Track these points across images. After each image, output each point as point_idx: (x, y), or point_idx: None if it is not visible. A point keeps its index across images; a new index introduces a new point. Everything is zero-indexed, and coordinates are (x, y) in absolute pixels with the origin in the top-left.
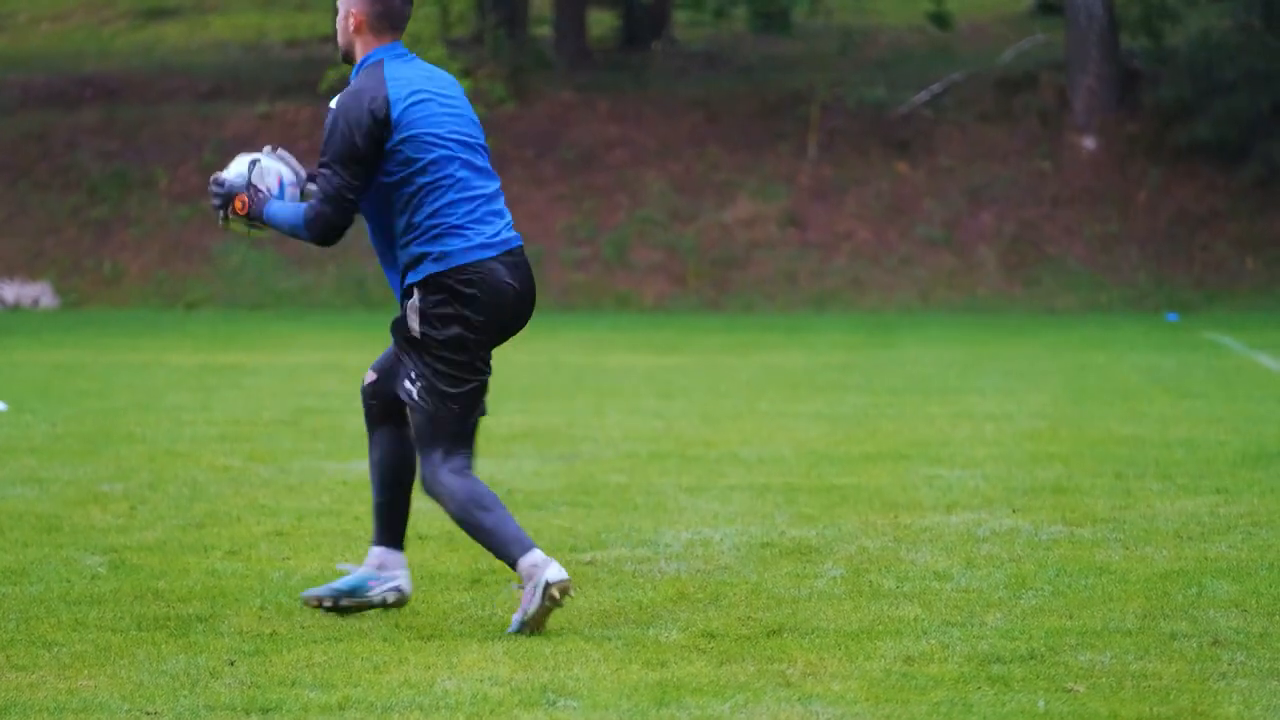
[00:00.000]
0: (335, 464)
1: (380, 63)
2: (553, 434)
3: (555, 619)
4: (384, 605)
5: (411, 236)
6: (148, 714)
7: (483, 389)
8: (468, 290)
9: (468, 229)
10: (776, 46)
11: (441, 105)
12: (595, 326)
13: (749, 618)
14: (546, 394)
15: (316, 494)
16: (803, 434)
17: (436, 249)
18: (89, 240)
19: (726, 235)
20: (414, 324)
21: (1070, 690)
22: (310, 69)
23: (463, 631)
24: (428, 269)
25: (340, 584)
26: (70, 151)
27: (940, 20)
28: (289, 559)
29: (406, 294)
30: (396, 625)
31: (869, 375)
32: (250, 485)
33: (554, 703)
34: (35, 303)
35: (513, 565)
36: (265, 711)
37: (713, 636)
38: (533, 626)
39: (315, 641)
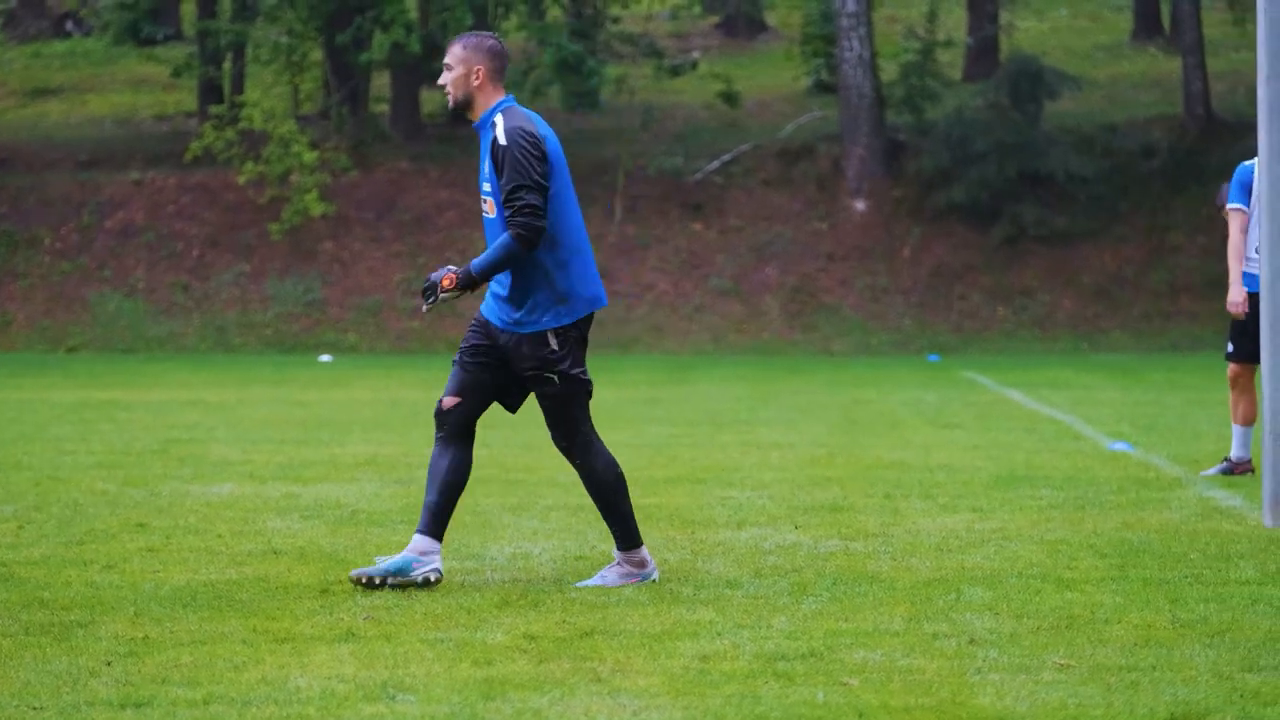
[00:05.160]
0: (199, 487)
1: (513, 108)
2: (391, 461)
3: (390, 625)
4: (425, 584)
5: None
6: (33, 709)
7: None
8: None
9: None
10: (586, 121)
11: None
12: (429, 367)
13: (564, 622)
14: (386, 426)
15: (183, 514)
16: None
17: None
18: None
19: None
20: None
21: (845, 684)
22: (176, 141)
23: (313, 635)
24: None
25: (387, 565)
26: None
27: (729, 98)
28: (159, 571)
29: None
30: (254, 630)
31: (669, 409)
32: (124, 507)
33: (393, 697)
34: None
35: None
36: (139, 706)
37: (533, 638)
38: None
39: (183, 644)
